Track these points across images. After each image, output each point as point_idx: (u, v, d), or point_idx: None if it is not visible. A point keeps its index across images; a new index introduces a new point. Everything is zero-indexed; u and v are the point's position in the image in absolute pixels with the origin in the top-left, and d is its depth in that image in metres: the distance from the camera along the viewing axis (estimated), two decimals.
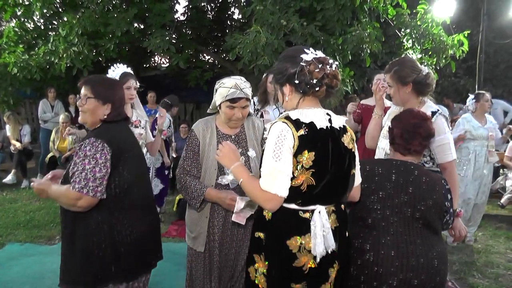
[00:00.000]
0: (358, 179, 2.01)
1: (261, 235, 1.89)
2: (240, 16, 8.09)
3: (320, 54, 1.80)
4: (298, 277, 1.81)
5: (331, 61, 1.80)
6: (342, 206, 1.93)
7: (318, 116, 1.78)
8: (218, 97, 2.37)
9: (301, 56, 1.76)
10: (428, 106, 2.62)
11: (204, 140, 2.45)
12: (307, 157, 1.72)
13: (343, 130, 1.86)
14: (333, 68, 1.77)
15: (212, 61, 8.47)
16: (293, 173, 1.73)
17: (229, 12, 8.52)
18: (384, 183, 2.11)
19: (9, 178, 7.40)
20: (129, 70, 3.30)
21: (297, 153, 1.72)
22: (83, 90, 2.12)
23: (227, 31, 8.29)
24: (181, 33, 7.66)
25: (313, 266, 1.78)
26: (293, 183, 1.74)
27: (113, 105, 2.11)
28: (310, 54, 1.77)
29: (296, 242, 1.77)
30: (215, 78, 5.95)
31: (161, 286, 3.64)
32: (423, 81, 2.59)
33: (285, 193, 1.72)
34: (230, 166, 1.92)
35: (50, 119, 7.67)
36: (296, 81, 1.75)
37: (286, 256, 1.79)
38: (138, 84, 3.31)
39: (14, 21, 7.94)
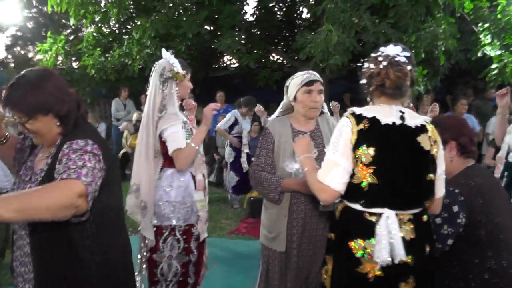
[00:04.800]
0: (440, 190, 1.84)
1: (332, 235, 1.87)
2: (308, 15, 8.04)
3: (387, 51, 1.74)
4: (362, 285, 1.71)
5: (381, 58, 1.72)
6: (424, 217, 1.78)
7: (385, 112, 1.71)
8: (293, 88, 2.40)
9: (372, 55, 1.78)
10: None
11: (279, 138, 2.44)
12: (366, 152, 1.66)
13: (421, 129, 1.73)
14: (381, 67, 1.70)
15: (281, 61, 8.49)
16: (353, 169, 1.69)
17: (298, 12, 8.50)
18: (494, 191, 1.98)
19: None
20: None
21: (355, 148, 1.68)
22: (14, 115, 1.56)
23: (296, 30, 8.28)
24: (250, 33, 7.78)
25: (378, 274, 1.67)
26: (354, 180, 1.69)
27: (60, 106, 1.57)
28: (378, 52, 1.76)
29: (359, 246, 1.70)
30: (284, 78, 5.89)
31: (230, 283, 3.67)
32: None
33: (338, 186, 1.69)
34: (300, 155, 1.98)
35: (123, 117, 8.06)
36: (360, 82, 1.80)
37: (350, 260, 1.72)
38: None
39: (93, 26, 8.48)
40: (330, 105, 5.57)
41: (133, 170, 2.58)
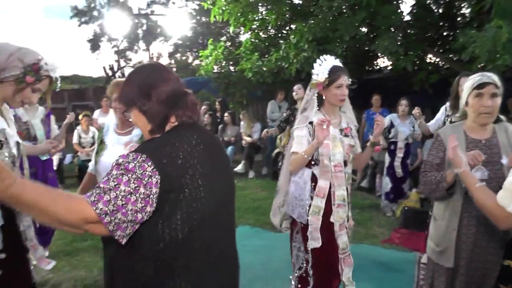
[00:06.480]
0: None
1: (510, 263, 1.70)
2: (468, 10, 7.30)
3: None
4: None
5: None
6: None
7: None
8: (465, 92, 2.28)
9: None
10: None
11: None
12: None
13: None
14: None
15: (437, 63, 7.95)
16: None
17: (457, 7, 7.77)
18: None
19: (239, 168, 8.53)
20: (337, 62, 2.65)
21: None
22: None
23: (456, 29, 7.55)
24: (407, 34, 7.41)
25: None
26: None
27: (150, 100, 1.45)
28: None
29: None
30: (441, 80, 5.53)
31: None
32: None
33: None
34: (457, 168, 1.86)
35: (278, 118, 8.31)
36: None
37: None
38: (350, 80, 2.64)
39: (250, 33, 9.08)
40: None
41: None
